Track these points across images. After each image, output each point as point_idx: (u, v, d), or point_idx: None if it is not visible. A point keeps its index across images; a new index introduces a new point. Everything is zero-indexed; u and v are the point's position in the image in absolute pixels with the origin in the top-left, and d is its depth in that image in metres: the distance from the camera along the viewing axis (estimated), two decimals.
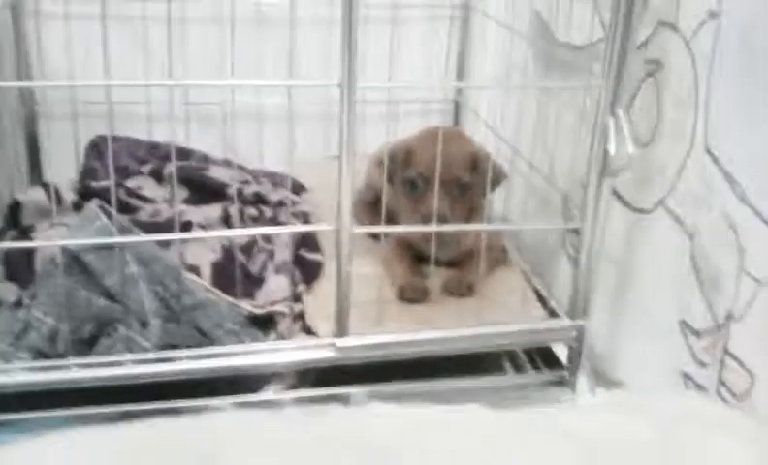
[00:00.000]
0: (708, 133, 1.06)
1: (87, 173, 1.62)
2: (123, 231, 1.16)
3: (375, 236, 1.44)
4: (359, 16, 1.00)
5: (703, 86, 1.06)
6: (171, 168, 1.50)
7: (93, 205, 1.14)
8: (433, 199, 1.33)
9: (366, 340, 1.18)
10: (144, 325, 1.14)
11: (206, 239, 1.35)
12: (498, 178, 1.42)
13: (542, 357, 1.38)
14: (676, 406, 0.98)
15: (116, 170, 1.62)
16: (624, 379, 1.29)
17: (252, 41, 1.62)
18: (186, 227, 1.38)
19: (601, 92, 1.10)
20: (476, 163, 1.37)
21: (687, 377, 1.12)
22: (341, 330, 1.15)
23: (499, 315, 1.30)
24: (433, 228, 1.23)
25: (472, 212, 1.42)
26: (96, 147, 1.65)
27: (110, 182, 1.10)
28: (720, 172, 1.03)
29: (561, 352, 1.32)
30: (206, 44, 1.63)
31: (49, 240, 1.18)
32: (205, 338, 1.18)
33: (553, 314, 1.33)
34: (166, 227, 1.22)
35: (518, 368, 1.41)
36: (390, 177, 1.45)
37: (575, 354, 1.26)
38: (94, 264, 1.12)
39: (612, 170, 1.12)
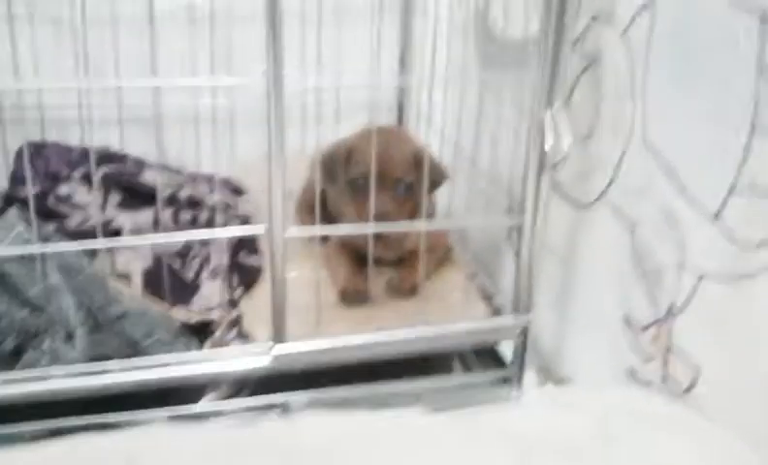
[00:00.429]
0: (646, 125, 1.05)
1: (17, 181, 1.55)
2: (45, 239, 1.11)
3: (320, 238, 1.41)
4: (283, 6, 0.96)
5: (639, 78, 1.06)
6: (101, 173, 1.45)
7: (12, 213, 1.08)
8: (377, 198, 1.30)
9: (304, 346, 1.14)
10: (70, 336, 1.09)
11: (137, 246, 1.30)
12: (441, 178, 1.40)
13: (489, 356, 1.36)
14: (617, 401, 0.97)
15: (47, 177, 1.58)
16: (571, 375, 1.28)
17: (185, 40, 1.58)
18: (116, 234, 1.33)
19: (537, 84, 1.08)
20: (419, 162, 1.34)
21: (632, 372, 1.11)
22: (278, 336, 1.11)
23: (443, 314, 1.28)
24: (371, 228, 1.19)
25: (415, 212, 1.39)
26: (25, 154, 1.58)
27: (36, 189, 1.05)
28: (659, 165, 1.02)
29: (508, 350, 1.29)
30: (139, 44, 1.59)
31: None
32: (134, 349, 1.14)
33: (497, 312, 1.30)
34: (93, 234, 1.17)
35: (466, 366, 1.39)
36: (331, 178, 1.42)
37: (520, 351, 1.24)
38: (14, 275, 1.07)
39: (550, 165, 1.10)
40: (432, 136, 1.52)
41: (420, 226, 1.21)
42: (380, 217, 1.26)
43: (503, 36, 1.38)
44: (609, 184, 1.14)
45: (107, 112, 1.56)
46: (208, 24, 1.56)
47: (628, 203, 1.10)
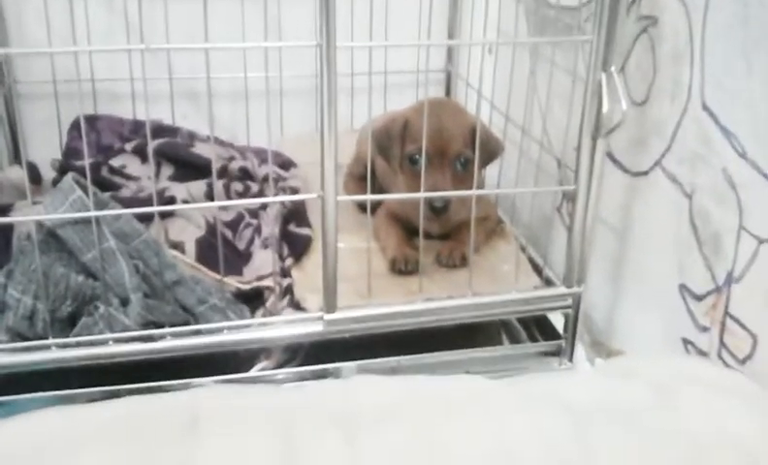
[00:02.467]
0: (704, 88, 1.02)
1: (70, 153, 1.58)
2: (100, 204, 1.12)
3: (364, 209, 1.40)
4: None
5: (698, 40, 1.03)
6: (153, 144, 1.47)
7: (68, 179, 1.10)
8: (437, 174, 1.29)
9: (355, 312, 1.14)
10: (125, 301, 1.10)
11: (190, 215, 1.31)
12: (496, 151, 1.38)
13: (539, 328, 1.34)
14: (673, 369, 0.95)
15: (100, 149, 1.61)
16: (624, 347, 1.26)
17: (236, 15, 1.59)
18: (169, 203, 1.35)
19: (593, 48, 1.06)
20: (475, 136, 1.33)
21: (688, 342, 1.09)
22: (329, 303, 1.11)
23: (493, 285, 1.27)
24: (423, 194, 1.18)
25: (471, 187, 1.37)
26: (79, 126, 1.61)
27: (91, 160, 1.07)
28: (718, 128, 0.99)
29: (558, 321, 1.28)
30: (190, 18, 1.60)
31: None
32: (188, 315, 1.15)
33: (548, 283, 1.29)
34: (147, 202, 1.18)
35: (514, 339, 1.38)
36: (384, 153, 1.41)
37: (571, 322, 1.23)
38: (71, 240, 1.08)
39: (606, 130, 1.08)
40: (481, 106, 1.51)
41: (472, 193, 1.19)
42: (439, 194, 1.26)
43: (557, 3, 1.36)
44: (665, 150, 1.11)
45: (158, 86, 1.57)
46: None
47: (685, 170, 1.07)
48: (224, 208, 1.39)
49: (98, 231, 1.06)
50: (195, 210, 1.32)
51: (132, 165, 1.53)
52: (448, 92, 1.88)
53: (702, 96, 1.03)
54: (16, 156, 1.65)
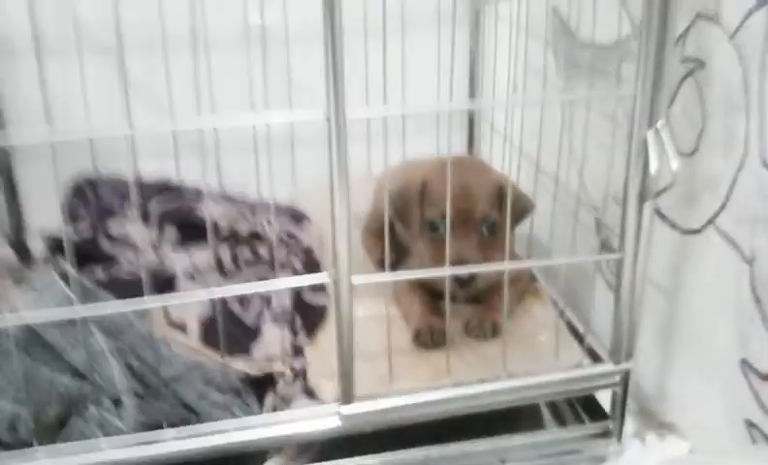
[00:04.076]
0: (764, 140, 0.89)
1: (70, 218, 1.49)
2: (86, 296, 1.01)
3: (383, 264, 1.28)
4: (343, 36, 0.84)
5: (754, 86, 0.90)
6: (156, 208, 1.37)
7: (52, 275, 1.00)
8: (461, 242, 1.18)
9: (375, 405, 1.02)
10: (117, 402, 1.00)
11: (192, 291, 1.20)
12: (526, 210, 1.26)
13: (583, 404, 1.21)
14: None
15: (100, 213, 1.51)
16: (676, 420, 1.13)
17: (243, 65, 1.49)
18: (170, 281, 1.24)
19: (637, 101, 0.94)
20: (503, 195, 1.21)
21: (751, 425, 0.95)
22: (346, 396, 1.00)
23: (530, 361, 1.14)
24: (448, 270, 1.05)
25: (498, 249, 1.24)
26: (79, 190, 1.52)
27: (87, 227, 0.95)
28: None
29: (605, 398, 1.15)
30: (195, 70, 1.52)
31: (11, 306, 1.03)
32: (188, 412, 1.03)
33: (592, 353, 1.16)
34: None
35: (556, 415, 1.25)
36: (402, 217, 1.30)
37: (620, 401, 1.10)
38: (55, 339, 0.98)
39: (653, 192, 0.96)
40: (507, 153, 1.38)
41: (504, 267, 1.07)
42: (464, 264, 1.14)
43: (589, 40, 1.24)
44: (720, 208, 0.99)
45: (161, 141, 1.48)
46: (264, 47, 1.47)
47: (744, 232, 0.94)
48: (230, 279, 1.28)
49: (84, 327, 0.95)
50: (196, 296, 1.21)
51: (133, 229, 1.43)
52: (471, 135, 1.77)
53: (762, 151, 0.90)
54: (15, 224, 1.57)
